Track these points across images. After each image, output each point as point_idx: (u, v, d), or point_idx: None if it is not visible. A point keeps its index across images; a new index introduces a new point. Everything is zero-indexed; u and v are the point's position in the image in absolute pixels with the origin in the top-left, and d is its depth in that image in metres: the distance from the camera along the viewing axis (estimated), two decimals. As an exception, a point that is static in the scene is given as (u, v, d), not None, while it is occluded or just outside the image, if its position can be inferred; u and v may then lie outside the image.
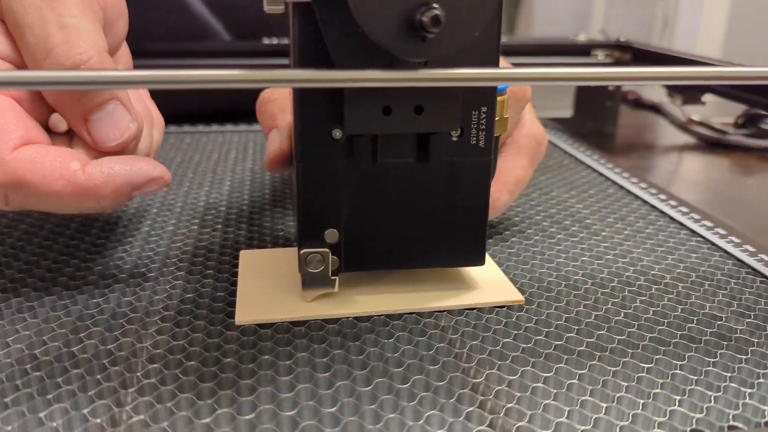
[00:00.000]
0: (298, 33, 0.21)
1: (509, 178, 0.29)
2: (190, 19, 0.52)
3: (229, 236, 0.31)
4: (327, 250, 0.23)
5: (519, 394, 0.19)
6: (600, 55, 0.57)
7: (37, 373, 0.20)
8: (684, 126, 0.59)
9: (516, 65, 0.19)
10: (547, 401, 0.19)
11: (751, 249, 0.30)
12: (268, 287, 0.25)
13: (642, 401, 0.19)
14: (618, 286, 0.26)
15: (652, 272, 0.27)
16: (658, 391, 0.20)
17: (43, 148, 0.22)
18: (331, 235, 0.23)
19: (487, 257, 0.28)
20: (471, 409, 0.19)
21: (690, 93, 0.51)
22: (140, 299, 0.25)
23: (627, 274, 0.27)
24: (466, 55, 0.21)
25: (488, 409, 0.19)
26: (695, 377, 0.20)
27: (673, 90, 0.52)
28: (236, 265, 0.27)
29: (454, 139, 0.23)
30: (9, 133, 0.22)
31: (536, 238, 0.31)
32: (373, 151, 0.22)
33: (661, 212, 0.34)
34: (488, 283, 0.26)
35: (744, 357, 0.22)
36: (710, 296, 0.26)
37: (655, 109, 0.63)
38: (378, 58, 0.19)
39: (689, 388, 0.20)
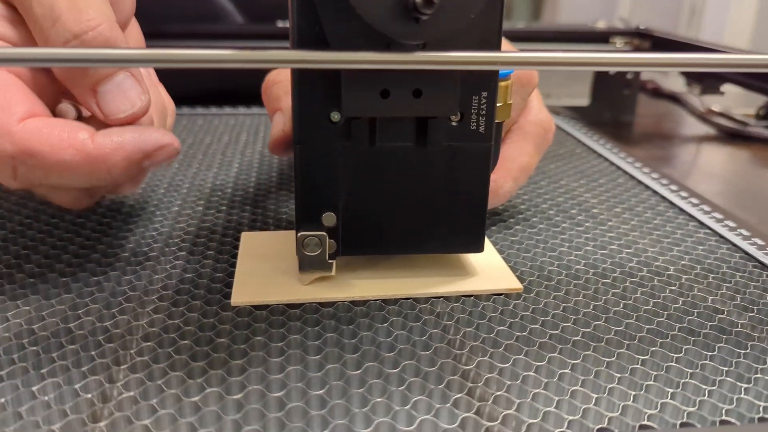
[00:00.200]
0: (296, 15, 0.21)
1: (514, 165, 0.29)
2: (204, 0, 0.52)
3: (232, 218, 0.31)
4: (324, 233, 0.23)
5: (509, 382, 0.19)
6: (619, 43, 0.56)
7: (34, 348, 0.20)
8: (703, 116, 0.58)
9: (523, 51, 0.19)
10: (537, 390, 0.19)
11: (760, 242, 0.29)
12: (267, 269, 0.25)
13: (634, 393, 0.19)
14: (620, 276, 0.26)
15: (656, 263, 0.27)
16: (651, 383, 0.19)
17: (51, 120, 0.22)
18: (329, 218, 0.23)
19: (489, 244, 0.28)
20: (459, 395, 0.19)
21: (708, 82, 0.50)
22: (140, 278, 0.25)
23: (630, 264, 0.27)
24: (466, 38, 0.21)
25: (477, 397, 0.19)
26: (691, 370, 0.20)
27: (691, 79, 0.51)
28: (237, 247, 0.27)
29: (454, 124, 0.23)
30: (14, 106, 0.21)
31: (540, 226, 0.31)
32: (371, 134, 0.22)
33: (671, 203, 0.34)
34: (487, 270, 0.26)
35: (743, 352, 0.21)
36: (714, 289, 0.25)
37: (675, 98, 0.61)
38: (375, 40, 0.19)
39: (684, 381, 0.20)
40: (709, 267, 0.27)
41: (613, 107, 0.57)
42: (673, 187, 0.36)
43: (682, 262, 0.27)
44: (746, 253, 0.28)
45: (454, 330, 0.22)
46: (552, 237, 0.29)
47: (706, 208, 0.33)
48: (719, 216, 0.32)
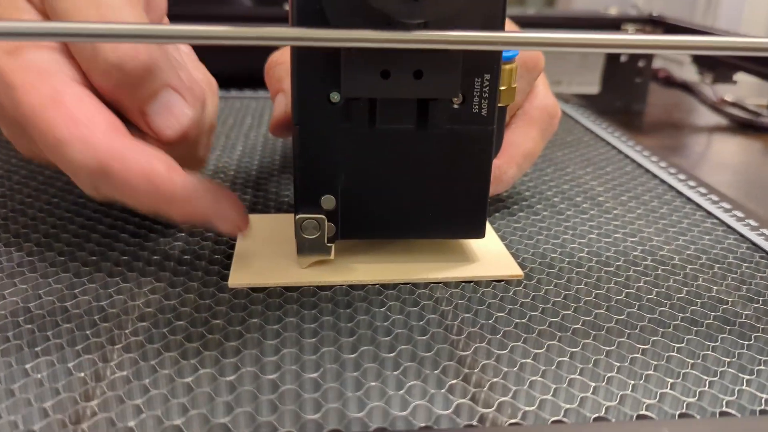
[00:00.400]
0: (296, -8, 0.20)
1: (518, 151, 0.28)
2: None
3: (233, 200, 0.31)
4: (323, 216, 0.23)
5: (506, 369, 0.19)
6: (630, 29, 0.55)
7: (29, 326, 0.20)
8: (716, 106, 0.57)
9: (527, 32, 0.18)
10: (534, 378, 0.19)
11: (768, 233, 0.28)
12: (266, 252, 0.25)
13: (633, 382, 0.19)
14: (623, 265, 0.25)
15: (661, 252, 0.27)
16: (651, 372, 0.19)
17: (134, 144, 0.21)
18: (328, 201, 0.23)
19: (491, 230, 0.28)
20: (455, 381, 0.18)
21: (721, 71, 0.49)
22: (138, 258, 0.25)
23: (634, 253, 0.27)
24: (468, 18, 0.20)
25: (473, 383, 0.18)
26: (692, 361, 0.20)
27: (703, 68, 0.51)
28: (237, 229, 0.27)
29: (456, 106, 0.22)
30: (96, 116, 0.21)
31: (544, 213, 0.30)
32: (372, 116, 0.22)
33: (678, 192, 0.33)
34: (488, 256, 0.25)
35: (747, 343, 0.21)
36: (719, 279, 0.25)
37: (687, 88, 0.60)
38: (375, 20, 0.19)
39: (684, 371, 0.19)
40: (715, 257, 0.26)
41: (624, 96, 0.56)
42: (682, 177, 0.35)
43: (688, 252, 0.27)
44: (753, 243, 0.28)
45: (452, 316, 0.22)
46: (556, 224, 0.29)
47: (715, 198, 0.32)
48: (727, 206, 0.31)
